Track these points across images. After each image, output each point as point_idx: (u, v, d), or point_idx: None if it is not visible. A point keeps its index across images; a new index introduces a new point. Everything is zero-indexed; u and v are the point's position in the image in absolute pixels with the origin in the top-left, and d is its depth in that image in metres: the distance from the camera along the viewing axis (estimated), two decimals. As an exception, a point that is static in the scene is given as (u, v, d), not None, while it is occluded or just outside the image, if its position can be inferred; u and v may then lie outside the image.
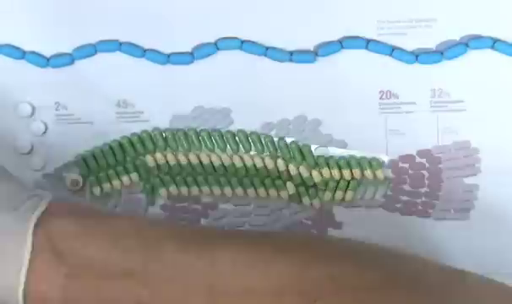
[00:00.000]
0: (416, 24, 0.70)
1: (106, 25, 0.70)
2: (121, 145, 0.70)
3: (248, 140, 0.70)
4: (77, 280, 0.51)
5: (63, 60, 0.69)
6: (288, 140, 0.71)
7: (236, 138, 0.70)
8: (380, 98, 0.70)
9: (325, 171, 0.71)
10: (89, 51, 0.69)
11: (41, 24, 0.70)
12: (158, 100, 0.70)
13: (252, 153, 0.71)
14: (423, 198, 0.71)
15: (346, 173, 0.71)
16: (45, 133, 0.70)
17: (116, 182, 0.71)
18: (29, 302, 0.51)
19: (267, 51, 0.70)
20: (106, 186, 0.71)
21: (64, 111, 0.70)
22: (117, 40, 0.70)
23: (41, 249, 0.51)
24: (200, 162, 0.71)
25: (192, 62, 0.70)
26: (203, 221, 0.71)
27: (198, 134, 0.70)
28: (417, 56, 0.70)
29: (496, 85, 0.70)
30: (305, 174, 0.70)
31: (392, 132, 0.70)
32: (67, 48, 0.70)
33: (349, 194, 0.71)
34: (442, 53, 0.69)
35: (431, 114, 0.70)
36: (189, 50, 0.70)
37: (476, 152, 0.70)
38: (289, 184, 0.71)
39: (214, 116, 0.70)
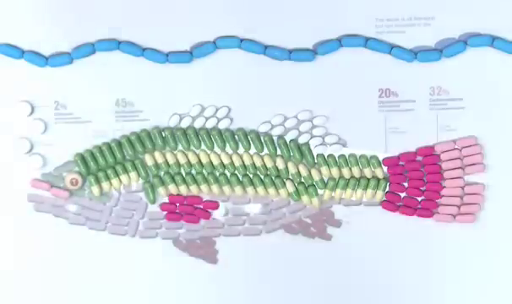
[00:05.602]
0: (414, 22, 0.70)
1: (105, 24, 0.70)
2: (120, 144, 0.70)
3: (248, 139, 0.70)
4: None
5: (62, 59, 0.70)
6: (287, 139, 0.71)
7: (236, 136, 0.70)
8: (379, 96, 0.70)
9: (324, 170, 0.70)
10: (87, 50, 0.70)
11: (40, 23, 0.70)
12: (157, 99, 0.70)
13: (251, 152, 0.71)
14: (423, 197, 0.71)
15: (346, 172, 0.70)
16: (44, 132, 0.70)
17: (115, 181, 0.71)
18: None
19: (266, 49, 0.70)
20: (106, 185, 0.71)
21: (63, 110, 0.70)
22: (115, 40, 0.70)
23: None
24: (199, 161, 0.71)
25: (191, 60, 0.70)
26: (202, 220, 0.71)
27: (197, 133, 0.70)
28: (416, 54, 0.69)
29: (495, 83, 0.70)
30: (304, 173, 0.70)
31: (391, 130, 0.70)
32: (65, 47, 0.70)
33: (348, 193, 0.71)
34: (441, 51, 0.69)
35: (430, 112, 0.70)
36: (188, 49, 0.70)
37: (476, 150, 0.70)
38: (288, 183, 0.71)
39: (213, 115, 0.70)
